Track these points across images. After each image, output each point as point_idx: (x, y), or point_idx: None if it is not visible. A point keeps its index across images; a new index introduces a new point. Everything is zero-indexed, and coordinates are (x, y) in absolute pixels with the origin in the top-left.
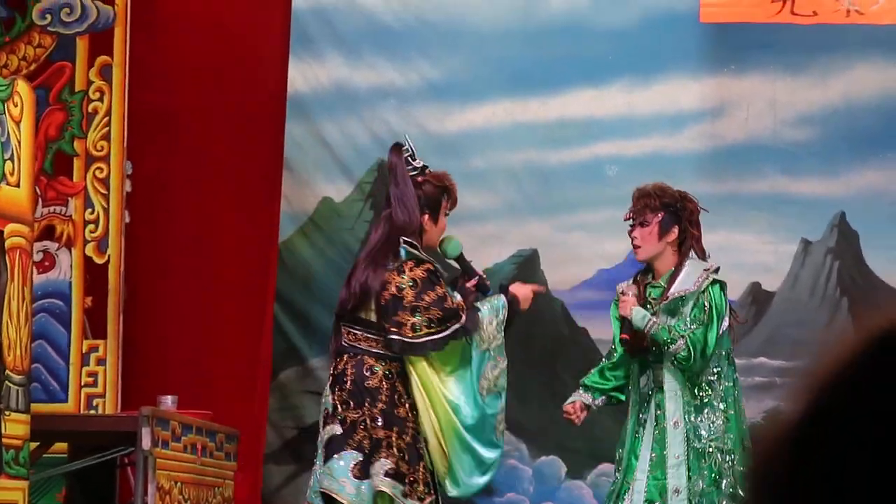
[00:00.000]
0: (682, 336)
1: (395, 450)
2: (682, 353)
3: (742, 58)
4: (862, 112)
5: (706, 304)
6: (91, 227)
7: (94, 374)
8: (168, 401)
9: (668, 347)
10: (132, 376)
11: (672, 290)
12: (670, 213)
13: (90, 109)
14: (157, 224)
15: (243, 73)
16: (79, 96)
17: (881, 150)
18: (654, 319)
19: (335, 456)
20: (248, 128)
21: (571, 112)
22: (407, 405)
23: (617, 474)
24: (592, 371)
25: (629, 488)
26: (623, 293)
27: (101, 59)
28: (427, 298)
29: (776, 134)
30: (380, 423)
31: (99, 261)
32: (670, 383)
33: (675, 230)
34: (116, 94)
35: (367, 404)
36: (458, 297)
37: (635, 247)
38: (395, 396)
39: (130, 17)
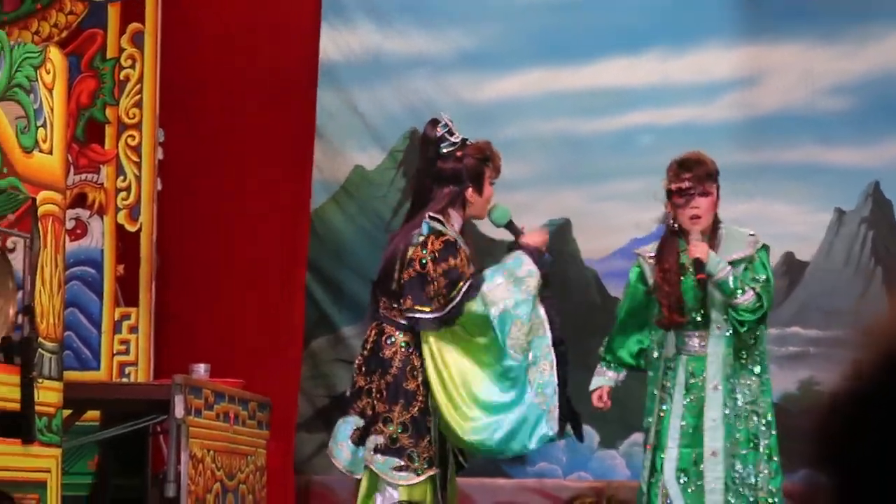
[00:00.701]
0: (752, 288)
1: (394, 424)
2: (752, 303)
3: (776, 27)
4: None
5: (763, 264)
6: (123, 194)
7: (126, 343)
8: (200, 369)
9: (736, 297)
10: (164, 345)
11: (721, 255)
12: (718, 185)
13: (122, 77)
14: (189, 192)
15: (275, 42)
16: (110, 63)
17: None
18: (729, 267)
19: (340, 419)
20: (279, 96)
21: (605, 81)
22: (420, 379)
23: (647, 447)
24: (606, 348)
25: (662, 461)
26: (692, 243)
27: (133, 26)
28: (439, 270)
29: (810, 103)
30: (384, 396)
31: (131, 229)
32: (714, 347)
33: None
34: (148, 61)
35: (377, 374)
36: (471, 268)
37: (695, 217)
38: (408, 369)
39: None
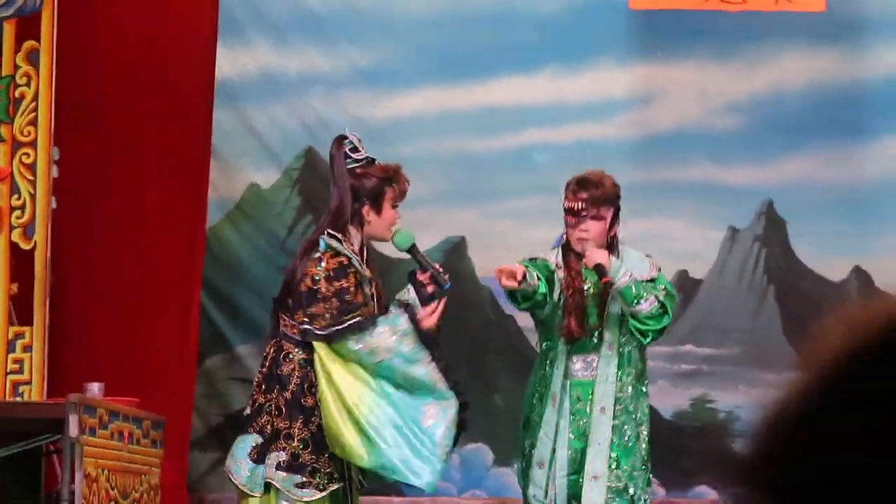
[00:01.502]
0: (654, 295)
1: (294, 441)
2: (654, 309)
3: (671, 45)
4: (790, 100)
5: (662, 286)
6: (17, 213)
7: (19, 361)
8: (95, 388)
9: (637, 304)
10: (58, 364)
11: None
12: (616, 207)
13: (17, 94)
14: (84, 210)
15: (171, 60)
16: (5, 81)
17: (809, 138)
18: (630, 273)
19: (239, 437)
20: (175, 114)
21: (500, 99)
22: (318, 395)
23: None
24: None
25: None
26: (590, 250)
27: (28, 43)
28: (332, 289)
29: (705, 122)
30: (283, 413)
31: (25, 247)
32: (604, 368)
33: (617, 224)
34: (44, 79)
35: (276, 391)
36: (364, 297)
37: (581, 239)
38: (306, 385)
39: (58, 2)
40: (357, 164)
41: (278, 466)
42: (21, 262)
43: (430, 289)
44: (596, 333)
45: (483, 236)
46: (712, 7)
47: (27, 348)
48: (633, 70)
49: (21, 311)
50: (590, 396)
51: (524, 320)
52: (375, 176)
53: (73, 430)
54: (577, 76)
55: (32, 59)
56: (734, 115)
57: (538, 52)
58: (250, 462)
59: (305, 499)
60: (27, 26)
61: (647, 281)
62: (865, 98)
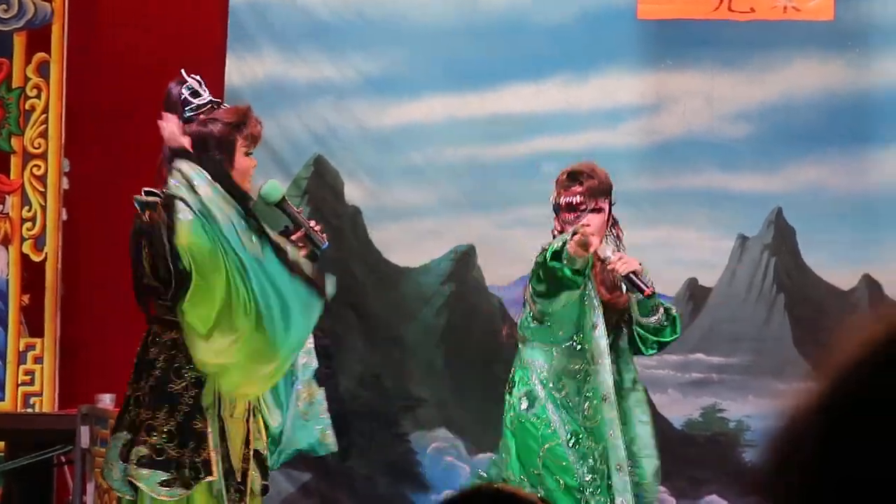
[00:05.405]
0: (662, 305)
1: (157, 434)
2: (662, 320)
3: (679, 54)
4: (799, 108)
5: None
6: (28, 224)
7: (31, 373)
8: (106, 399)
9: (653, 314)
10: (70, 375)
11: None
12: (611, 199)
13: (27, 106)
14: (95, 221)
15: (180, 70)
16: (16, 93)
17: (818, 146)
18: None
19: (111, 436)
20: None
21: (509, 107)
22: (190, 379)
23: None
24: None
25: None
26: (617, 255)
27: (39, 55)
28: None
29: (714, 130)
30: (146, 402)
31: (36, 258)
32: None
33: (611, 216)
34: (54, 91)
35: (142, 379)
36: None
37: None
38: (174, 369)
39: (68, 14)
40: (199, 110)
41: (139, 462)
42: (32, 273)
43: (303, 252)
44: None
45: (492, 245)
46: (720, 16)
47: (38, 360)
48: (642, 78)
49: (32, 322)
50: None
51: None
52: (222, 121)
53: (85, 441)
54: (586, 84)
55: (43, 71)
56: (743, 124)
57: (547, 61)
58: (121, 462)
59: (170, 497)
60: (37, 38)
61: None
62: (874, 106)
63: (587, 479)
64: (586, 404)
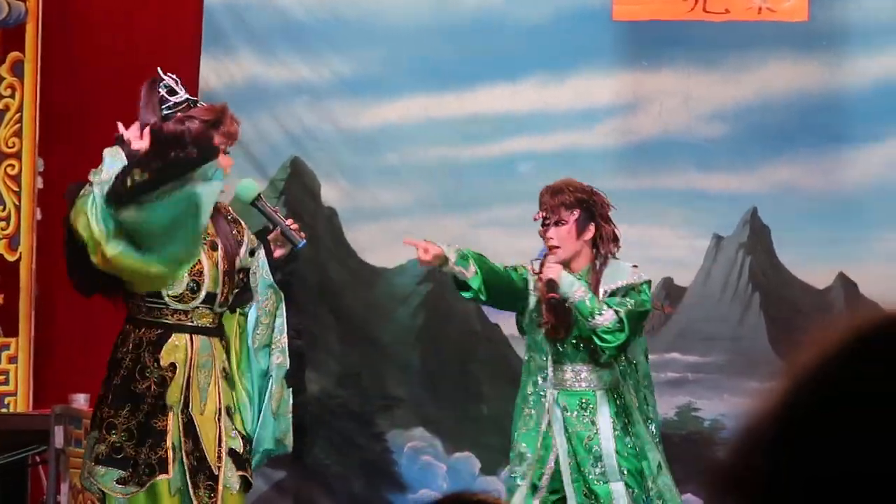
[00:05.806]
0: (614, 309)
1: (117, 432)
2: (612, 324)
3: (655, 54)
4: (774, 108)
5: (642, 294)
6: (2, 224)
7: (5, 372)
8: (80, 399)
9: (592, 318)
10: (44, 374)
11: (601, 287)
12: (585, 210)
13: (1, 106)
14: None
15: (155, 70)
16: None
17: (793, 145)
18: (584, 288)
19: (86, 436)
20: None
21: (485, 108)
22: (154, 378)
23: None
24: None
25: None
26: (546, 265)
27: (13, 55)
28: None
29: (690, 129)
30: (110, 401)
31: (10, 258)
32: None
33: (592, 227)
34: (28, 90)
35: (109, 379)
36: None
37: (552, 248)
38: (138, 369)
39: (42, 14)
40: (177, 109)
41: (97, 460)
42: (6, 273)
43: (278, 253)
44: (582, 345)
45: (468, 245)
46: (696, 17)
47: (13, 359)
48: (618, 78)
49: (6, 322)
50: (576, 407)
51: (510, 329)
52: (199, 118)
53: (59, 441)
54: (562, 85)
55: (17, 70)
56: (718, 123)
57: (523, 62)
58: (89, 462)
59: (123, 495)
60: (11, 38)
61: (625, 286)
62: (849, 106)
63: None
64: None
